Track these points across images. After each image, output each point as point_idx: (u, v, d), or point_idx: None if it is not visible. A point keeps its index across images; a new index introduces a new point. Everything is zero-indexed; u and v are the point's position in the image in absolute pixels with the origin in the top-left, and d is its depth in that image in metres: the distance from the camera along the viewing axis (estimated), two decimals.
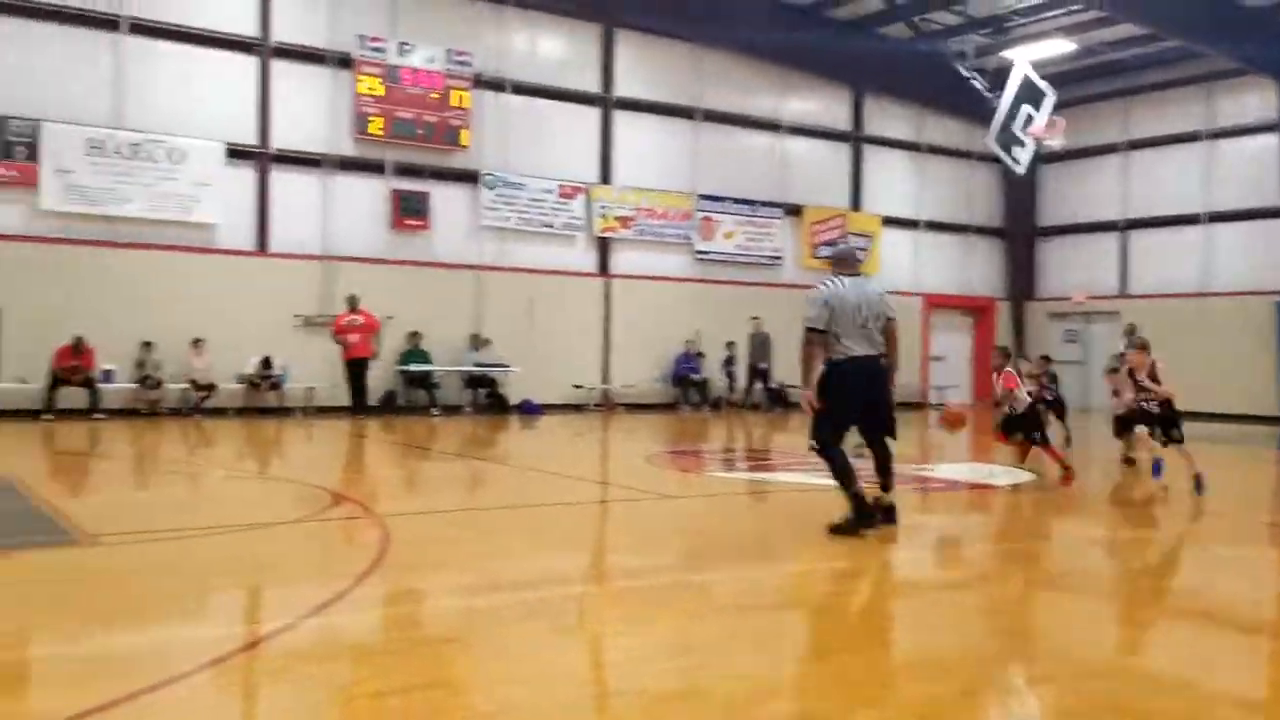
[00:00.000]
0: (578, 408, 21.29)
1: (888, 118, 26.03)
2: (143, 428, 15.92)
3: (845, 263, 7.77)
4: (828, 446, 7.45)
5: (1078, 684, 4.33)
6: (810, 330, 7.39)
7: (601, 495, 10.43)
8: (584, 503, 9.61)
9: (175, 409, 17.64)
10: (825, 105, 25.19)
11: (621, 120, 22.39)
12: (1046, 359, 14.52)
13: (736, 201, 23.64)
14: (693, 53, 22.99)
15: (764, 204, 24.07)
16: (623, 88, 22.36)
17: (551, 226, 21.45)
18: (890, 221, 26.11)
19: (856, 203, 25.69)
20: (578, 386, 21.41)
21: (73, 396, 16.61)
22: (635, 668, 4.54)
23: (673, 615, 5.40)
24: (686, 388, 22.38)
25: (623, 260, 22.38)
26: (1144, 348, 10.49)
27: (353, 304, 18.34)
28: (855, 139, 25.63)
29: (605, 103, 22.21)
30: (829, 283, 7.52)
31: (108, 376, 17.01)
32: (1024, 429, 10.98)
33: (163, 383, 17.44)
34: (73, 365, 16.60)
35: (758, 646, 4.92)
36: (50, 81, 17.08)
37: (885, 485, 7.66)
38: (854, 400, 7.48)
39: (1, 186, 16.76)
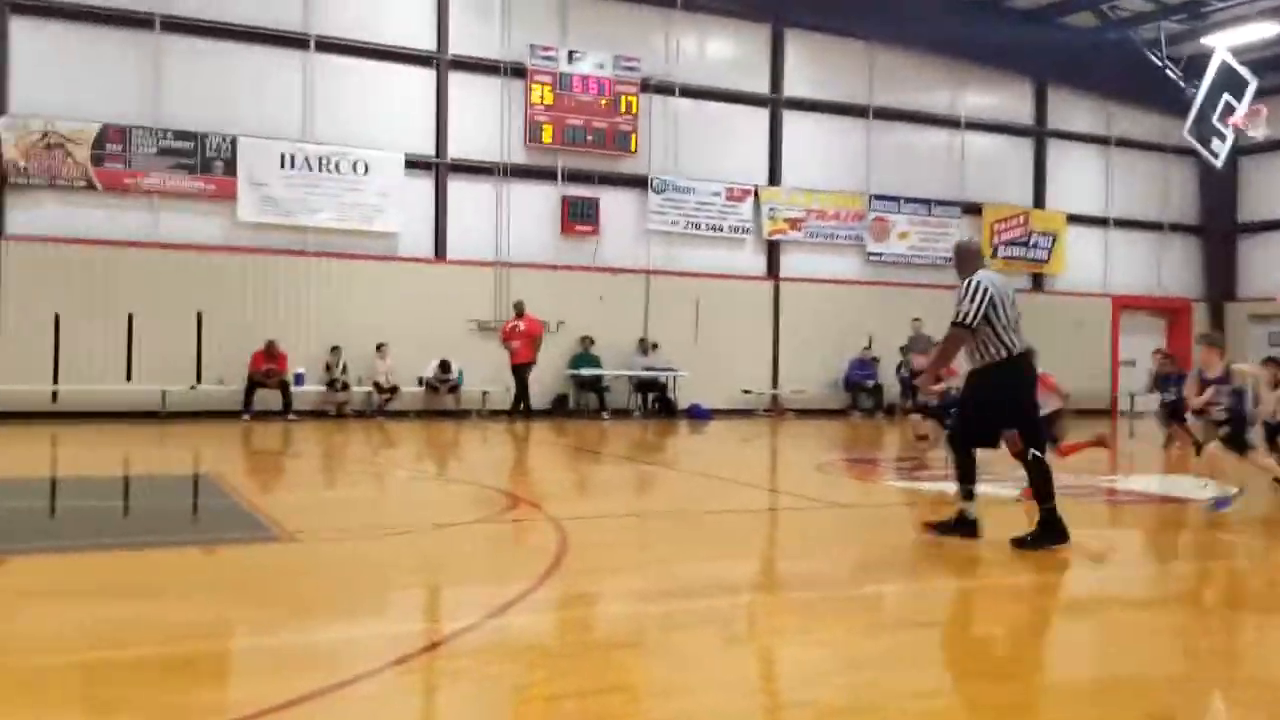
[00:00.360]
0: (746, 413, 21.15)
1: (1073, 110, 24.85)
2: (331, 429, 16.69)
3: (976, 255, 7.35)
4: (965, 453, 7.16)
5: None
6: (963, 327, 6.85)
7: (772, 502, 10.28)
8: (754, 510, 9.49)
9: (360, 411, 18.43)
10: (1005, 99, 24.26)
11: (791, 120, 22.14)
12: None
13: (911, 201, 23.03)
14: (864, 50, 22.52)
15: (940, 203, 23.36)
16: (792, 87, 22.11)
17: (720, 229, 21.40)
18: (1076, 219, 24.92)
19: (1040, 200, 24.62)
20: (746, 391, 21.27)
21: (267, 398, 17.59)
22: (805, 680, 4.43)
23: (844, 628, 5.24)
24: (859, 393, 21.92)
25: (792, 263, 22.11)
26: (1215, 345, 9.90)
27: (519, 310, 18.75)
28: (1038, 133, 24.58)
29: (774, 103, 22.01)
30: (983, 273, 7.07)
31: (299, 379, 17.93)
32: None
33: (349, 385, 18.25)
34: (267, 369, 17.57)
35: (932, 664, 4.72)
36: (245, 99, 18.13)
37: (1043, 495, 7.05)
38: (1024, 400, 7.07)
39: (202, 199, 17.88)
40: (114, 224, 17.34)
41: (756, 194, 21.72)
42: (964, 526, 7.02)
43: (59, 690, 4.05)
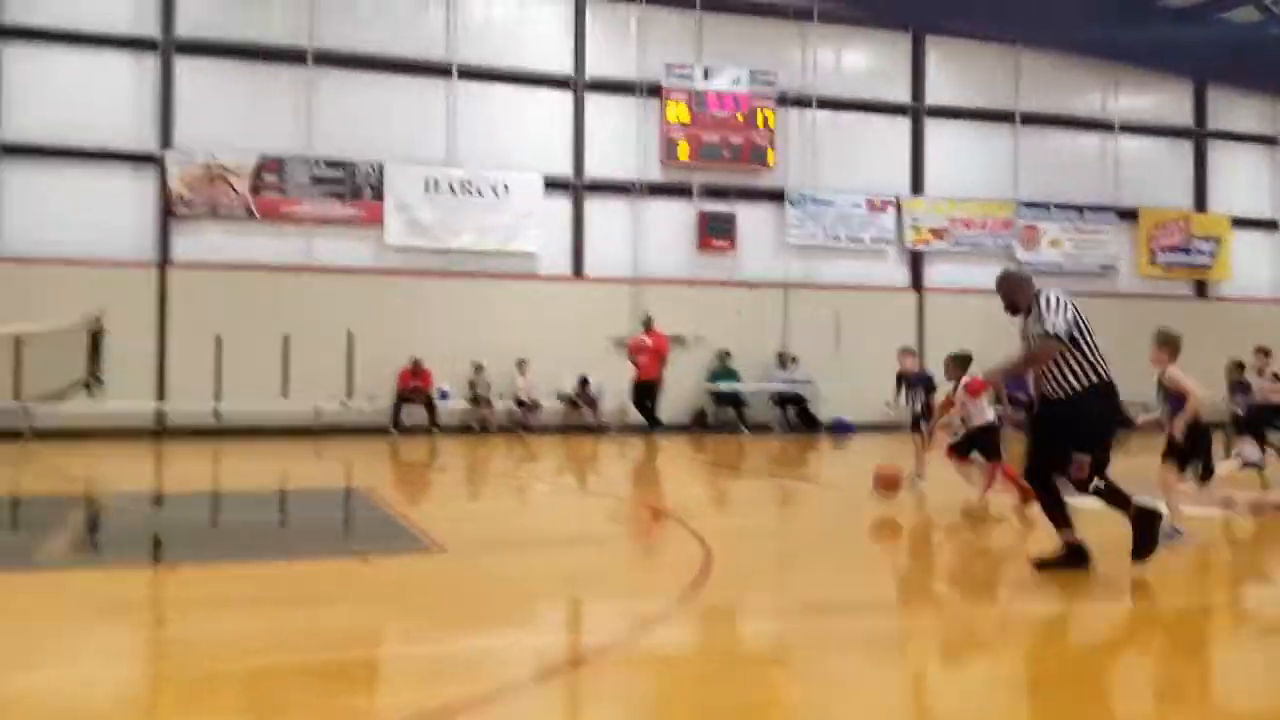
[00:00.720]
0: (890, 427, 20.62)
1: (1236, 110, 23.56)
2: (474, 443, 17.02)
3: (1030, 281, 6.92)
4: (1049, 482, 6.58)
5: None
6: (1055, 339, 6.35)
7: (918, 518, 9.95)
8: (902, 526, 9.20)
9: (503, 426, 18.75)
10: (1161, 100, 23.18)
11: (933, 128, 21.63)
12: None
13: (1062, 207, 22.17)
14: (1009, 54, 21.86)
15: (1093, 209, 22.42)
16: (934, 95, 21.62)
17: (860, 241, 21.02)
18: (1241, 223, 23.57)
19: (1200, 203, 23.39)
20: (889, 404, 20.73)
21: (414, 414, 18.07)
22: (962, 705, 4.21)
23: (1001, 649, 5.00)
24: (1012, 406, 21.11)
25: (937, 273, 21.55)
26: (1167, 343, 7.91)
27: (647, 325, 18.77)
28: (1198, 135, 23.37)
29: (916, 112, 21.55)
30: (1055, 289, 6.69)
31: (444, 396, 18.36)
32: (981, 448, 9.72)
33: (491, 401, 18.60)
34: (413, 386, 18.06)
35: (1094, 690, 4.44)
36: (392, 126, 18.73)
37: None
38: (1110, 429, 6.62)
39: (353, 224, 18.53)
40: (271, 250, 18.12)
41: (898, 204, 21.27)
42: (1074, 557, 6.56)
43: (229, 695, 4.18)
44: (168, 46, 17.71)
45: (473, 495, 11.79)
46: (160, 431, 17.49)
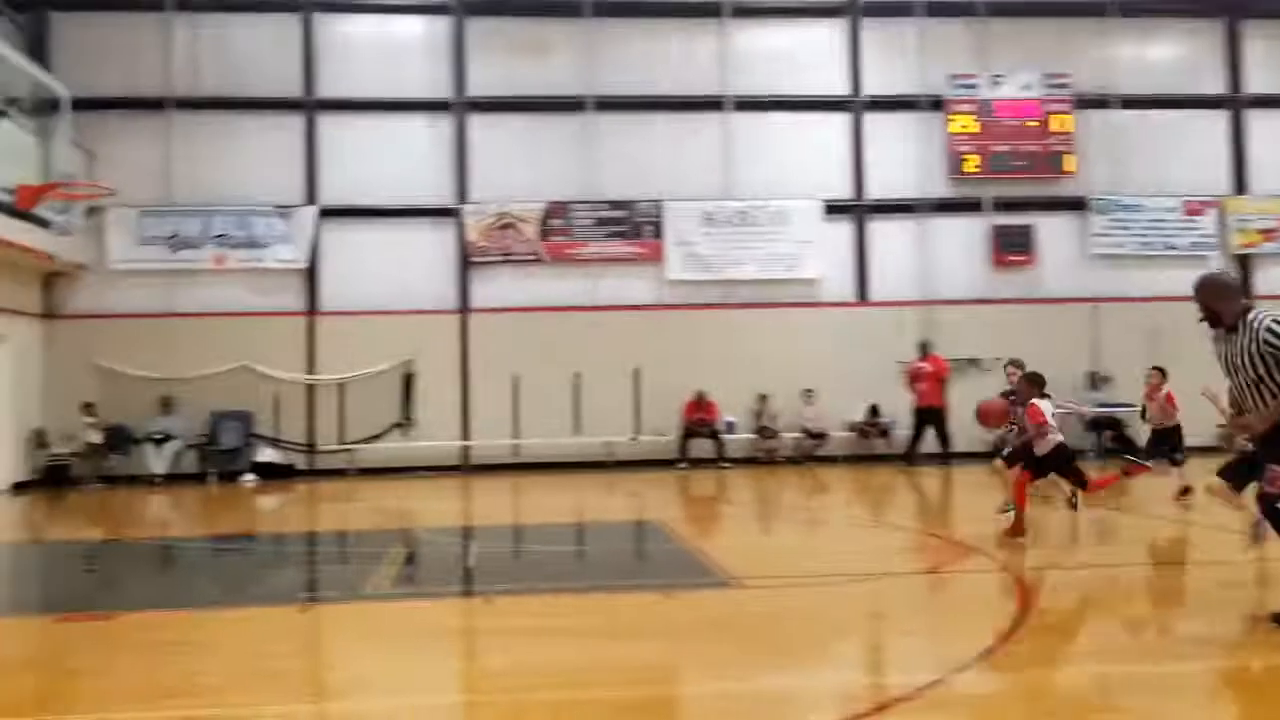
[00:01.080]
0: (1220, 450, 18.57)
1: None
2: (762, 475, 16.76)
3: (1241, 290, 6.19)
4: None
5: None
6: None
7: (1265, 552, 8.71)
8: (1243, 561, 8.06)
9: (790, 456, 18.40)
10: None
11: (1256, 120, 19.49)
12: None
13: None
14: None
15: None
16: (1254, 84, 19.49)
17: (1175, 248, 19.17)
18: None
19: None
20: (1221, 426, 18.69)
21: (700, 446, 18.06)
22: None
23: None
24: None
25: (1272, 278, 19.27)
26: None
27: (924, 350, 17.86)
28: None
29: (1234, 103, 19.50)
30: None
31: (730, 427, 18.26)
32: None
33: (778, 432, 18.30)
34: (698, 418, 18.08)
35: None
36: (668, 164, 18.96)
37: None
38: None
39: (635, 262, 18.87)
40: (559, 291, 18.76)
41: (1220, 206, 19.26)
42: None
43: None
44: (461, 106, 18.82)
45: (764, 528, 11.52)
46: (464, 467, 18.41)
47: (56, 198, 13.69)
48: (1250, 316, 5.80)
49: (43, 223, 14.50)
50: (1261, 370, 5.68)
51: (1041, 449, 9.18)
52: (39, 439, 17.19)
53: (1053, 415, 9.37)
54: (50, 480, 16.94)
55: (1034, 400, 9.42)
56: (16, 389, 16.76)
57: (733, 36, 19.21)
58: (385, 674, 5.11)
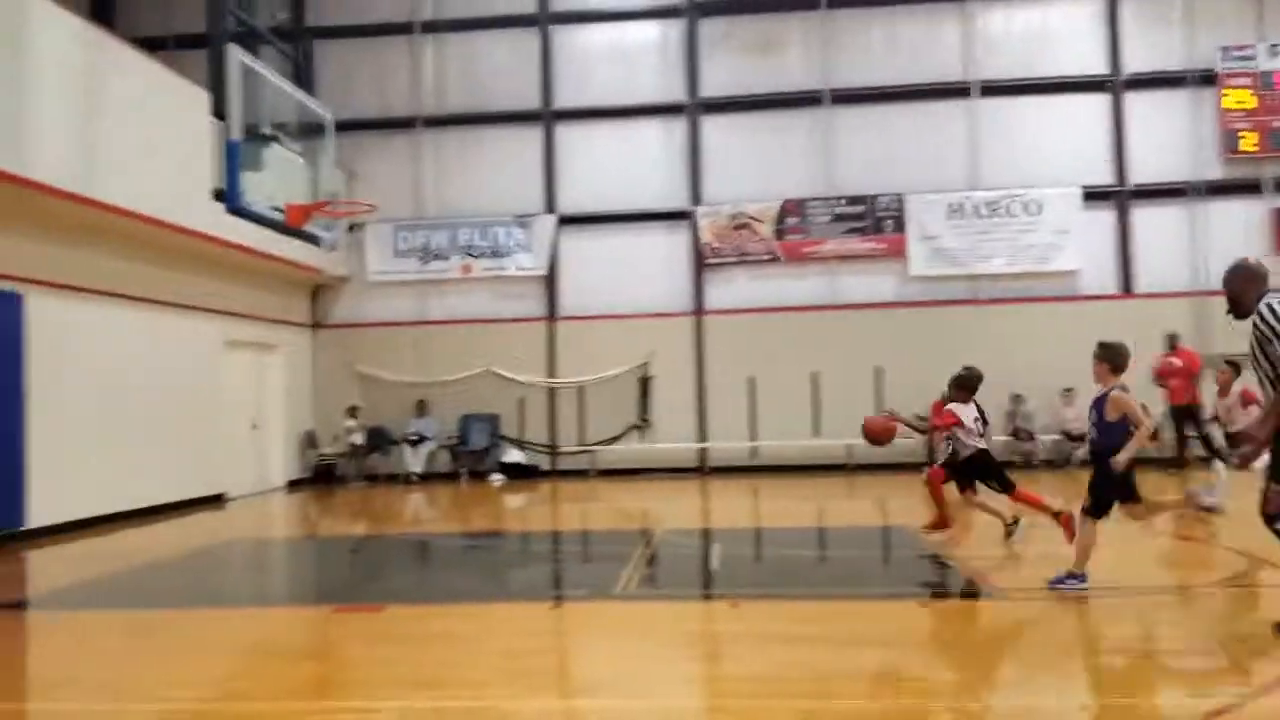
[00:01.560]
0: None
1: None
2: (1019, 479, 15.72)
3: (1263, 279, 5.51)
4: None
5: None
6: None
7: None
8: None
9: (1049, 460, 17.32)
10: None
11: None
12: None
13: None
14: None
15: None
16: None
17: None
18: None
19: None
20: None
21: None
22: None
23: None
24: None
25: None
26: None
27: (1172, 343, 16.28)
28: None
29: None
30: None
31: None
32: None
33: (1035, 435, 17.26)
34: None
35: None
36: (910, 155, 18.28)
37: None
38: None
39: (875, 258, 18.29)
40: (796, 290, 18.44)
41: None
42: None
43: None
44: (694, 108, 18.84)
45: (1022, 536, 10.78)
46: (702, 469, 18.39)
47: (323, 215, 14.64)
48: (1261, 304, 5.29)
49: (312, 239, 15.55)
50: (1264, 361, 5.24)
51: (964, 454, 9.24)
52: (310, 440, 18.50)
53: (975, 420, 9.21)
54: (320, 478, 18.22)
55: (953, 404, 9.34)
56: (290, 394, 18.10)
57: (977, 18, 18.31)
58: (633, 674, 5.15)
